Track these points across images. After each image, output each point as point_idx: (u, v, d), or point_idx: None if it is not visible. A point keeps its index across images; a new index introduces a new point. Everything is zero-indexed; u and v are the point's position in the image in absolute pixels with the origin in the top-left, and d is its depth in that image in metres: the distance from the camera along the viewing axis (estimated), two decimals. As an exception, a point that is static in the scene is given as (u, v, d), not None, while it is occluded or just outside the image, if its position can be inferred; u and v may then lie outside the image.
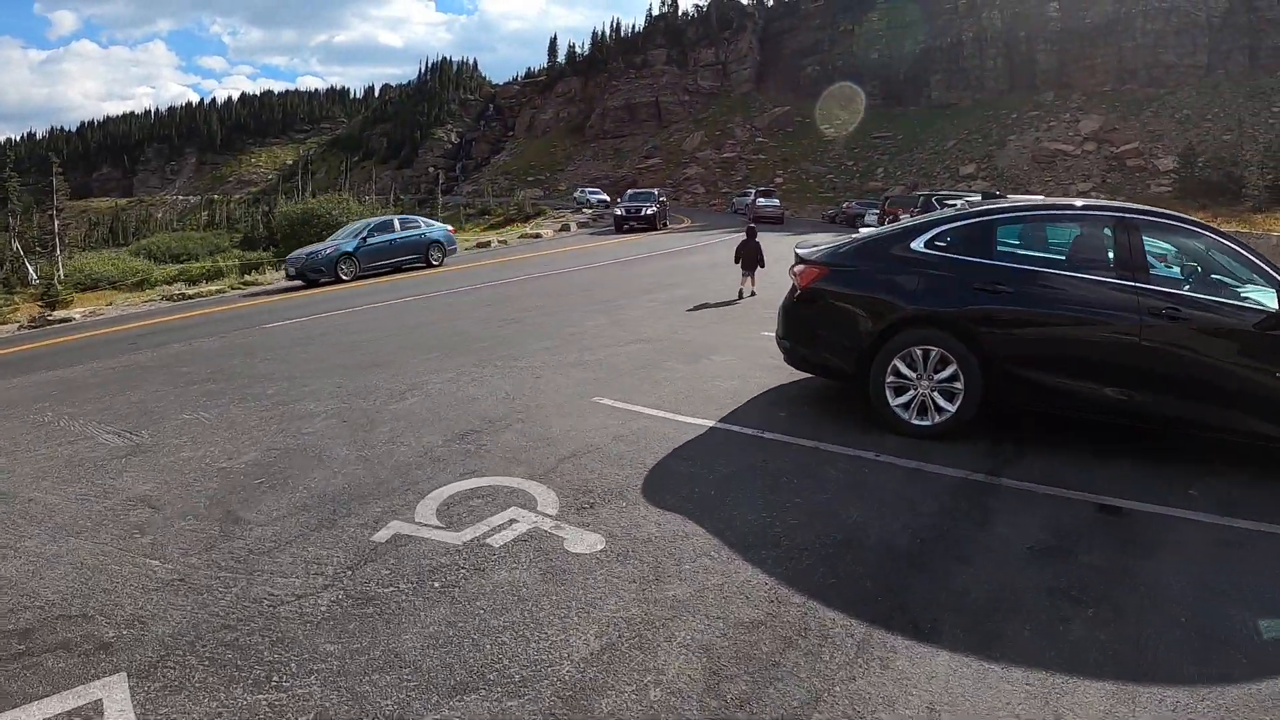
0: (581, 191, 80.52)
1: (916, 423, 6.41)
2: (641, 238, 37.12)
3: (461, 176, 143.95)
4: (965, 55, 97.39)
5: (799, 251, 7.42)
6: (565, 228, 46.58)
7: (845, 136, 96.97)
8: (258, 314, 16.66)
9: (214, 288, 24.53)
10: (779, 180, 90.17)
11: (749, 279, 15.28)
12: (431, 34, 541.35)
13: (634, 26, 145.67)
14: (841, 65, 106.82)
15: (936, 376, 6.33)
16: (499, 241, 38.24)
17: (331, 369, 9.83)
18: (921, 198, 33.48)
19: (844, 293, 6.85)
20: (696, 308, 13.90)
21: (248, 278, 27.56)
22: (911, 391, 6.44)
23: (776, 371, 8.46)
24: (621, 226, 42.02)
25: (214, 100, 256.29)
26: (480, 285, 19.31)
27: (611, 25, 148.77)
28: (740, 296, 14.82)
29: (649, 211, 42.67)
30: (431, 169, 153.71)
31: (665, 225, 45.25)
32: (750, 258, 15.51)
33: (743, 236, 16.12)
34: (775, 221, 51.99)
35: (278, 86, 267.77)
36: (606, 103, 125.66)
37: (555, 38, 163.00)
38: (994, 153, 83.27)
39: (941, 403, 6.35)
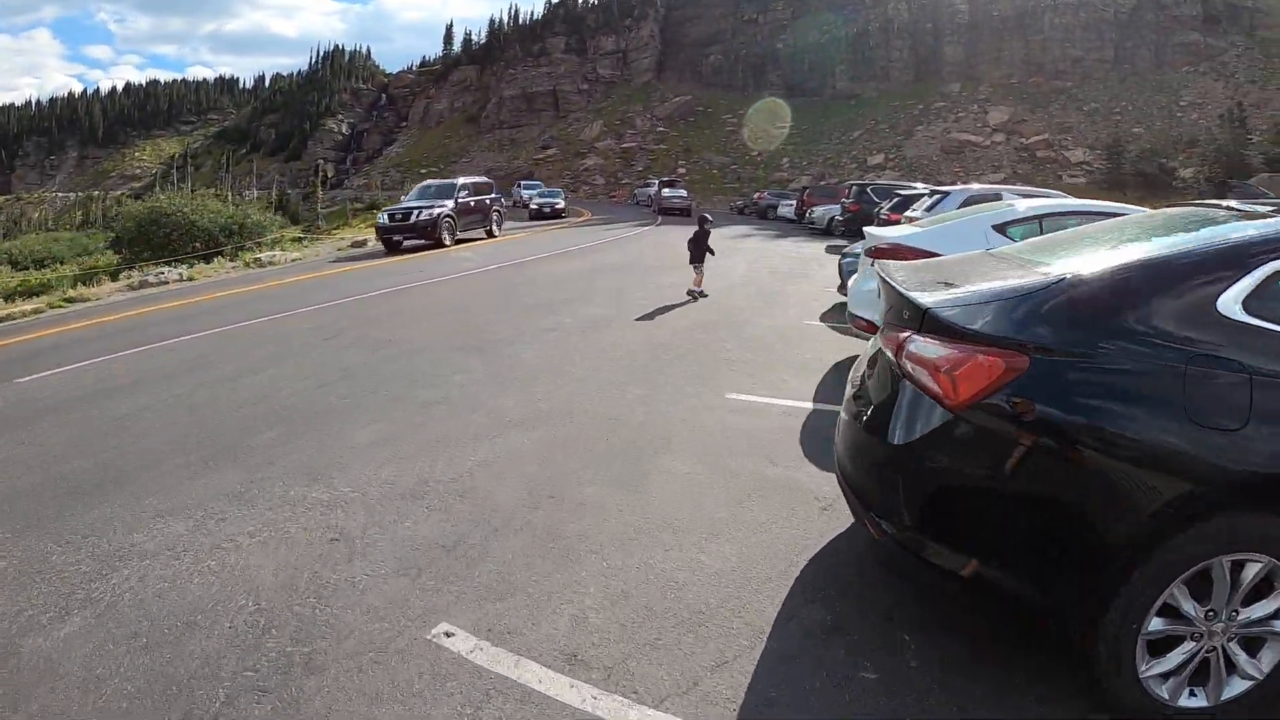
0: (518, 188, 68.55)
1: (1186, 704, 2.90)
2: (541, 235, 32.30)
3: (352, 169, 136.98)
4: (871, 46, 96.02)
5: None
6: None
7: (749, 127, 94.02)
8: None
9: (30, 307, 17.48)
10: (681, 171, 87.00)
11: (697, 274, 13.93)
12: (325, 23, 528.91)
13: (533, 14, 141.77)
14: (745, 55, 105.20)
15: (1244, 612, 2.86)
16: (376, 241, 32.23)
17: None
18: (854, 187, 29.89)
19: (1097, 429, 2.82)
20: (618, 338, 10.34)
21: (73, 292, 19.71)
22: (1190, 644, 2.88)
23: (794, 508, 4.75)
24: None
25: (97, 90, 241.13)
26: (327, 304, 14.37)
27: (509, 13, 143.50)
28: (691, 296, 13.56)
29: (559, 205, 45.33)
30: (320, 161, 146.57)
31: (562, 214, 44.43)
32: (699, 249, 14.15)
33: (694, 229, 14.56)
34: (682, 213, 47.67)
35: (166, 76, 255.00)
36: (503, 92, 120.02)
37: (451, 25, 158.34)
38: (902, 143, 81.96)
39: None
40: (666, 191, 53.44)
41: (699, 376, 8.19)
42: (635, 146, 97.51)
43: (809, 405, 7.07)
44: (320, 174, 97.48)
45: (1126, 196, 44.25)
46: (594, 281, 16.18)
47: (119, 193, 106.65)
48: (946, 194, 16.05)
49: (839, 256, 12.29)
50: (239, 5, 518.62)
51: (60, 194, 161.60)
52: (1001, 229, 7.69)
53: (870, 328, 7.02)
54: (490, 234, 28.88)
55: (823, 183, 62.62)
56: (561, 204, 46.63)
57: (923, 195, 19.28)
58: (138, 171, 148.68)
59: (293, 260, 25.15)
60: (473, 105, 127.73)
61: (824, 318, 11.78)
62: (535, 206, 45.42)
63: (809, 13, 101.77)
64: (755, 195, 58.56)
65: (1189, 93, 76.64)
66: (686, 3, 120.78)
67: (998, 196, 13.85)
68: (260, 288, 17.85)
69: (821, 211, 34.08)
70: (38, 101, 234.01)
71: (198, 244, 32.23)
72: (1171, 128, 71.26)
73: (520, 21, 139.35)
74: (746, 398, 7.31)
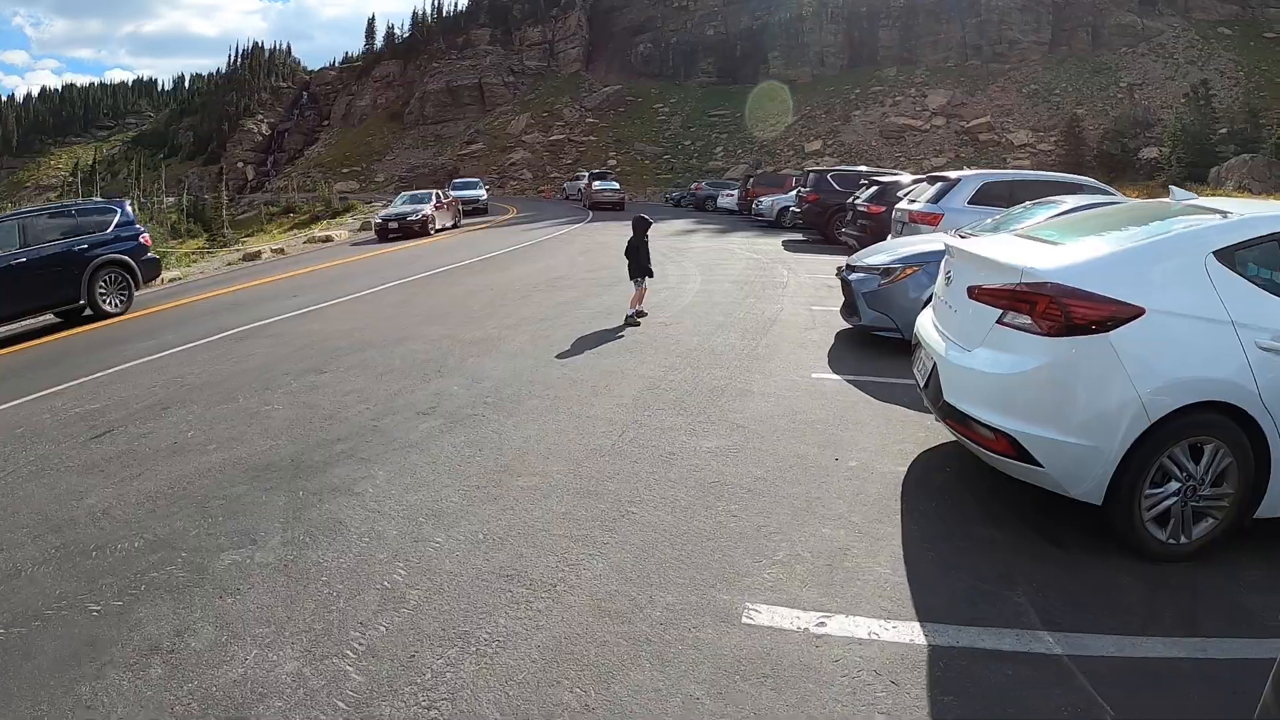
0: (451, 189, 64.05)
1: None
2: (452, 238, 28.60)
3: (273, 171, 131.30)
4: (806, 31, 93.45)
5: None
6: (368, 226, 36.26)
7: (682, 116, 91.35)
8: None
9: None
10: (612, 162, 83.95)
11: (638, 291, 11.02)
12: (246, 22, 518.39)
13: (456, 5, 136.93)
14: (675, 42, 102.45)
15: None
16: (274, 250, 28.24)
17: None
18: (812, 174, 26.32)
19: None
20: (530, 436, 6.15)
21: None
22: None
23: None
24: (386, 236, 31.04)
25: (12, 97, 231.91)
26: (146, 359, 9.98)
27: (433, 4, 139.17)
28: (627, 322, 10.57)
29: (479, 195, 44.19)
30: (240, 164, 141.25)
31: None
32: (640, 260, 11.04)
33: (630, 234, 11.31)
34: (615, 208, 44.60)
35: (84, 80, 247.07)
36: (427, 86, 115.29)
37: (373, 18, 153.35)
38: (839, 128, 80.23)
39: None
40: (597, 185, 49.55)
41: (690, 577, 3.86)
42: (564, 139, 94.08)
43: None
44: (222, 176, 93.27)
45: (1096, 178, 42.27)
46: (505, 307, 12.15)
47: (29, 205, 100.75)
48: (954, 181, 13.48)
49: (841, 271, 9.58)
50: (157, 5, 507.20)
51: None
52: (1228, 258, 4.00)
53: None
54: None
55: (769, 170, 60.35)
56: (483, 195, 44.39)
57: (910, 183, 17.04)
58: (54, 181, 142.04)
59: (171, 280, 20.82)
60: (396, 101, 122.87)
61: (839, 365, 8.11)
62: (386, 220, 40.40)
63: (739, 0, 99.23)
64: (693, 186, 54.88)
65: (1128, 74, 76.22)
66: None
67: (1028, 186, 12.84)
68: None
69: (770, 202, 31.04)
70: None
71: None
72: (1113, 107, 70.75)
73: (444, 13, 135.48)
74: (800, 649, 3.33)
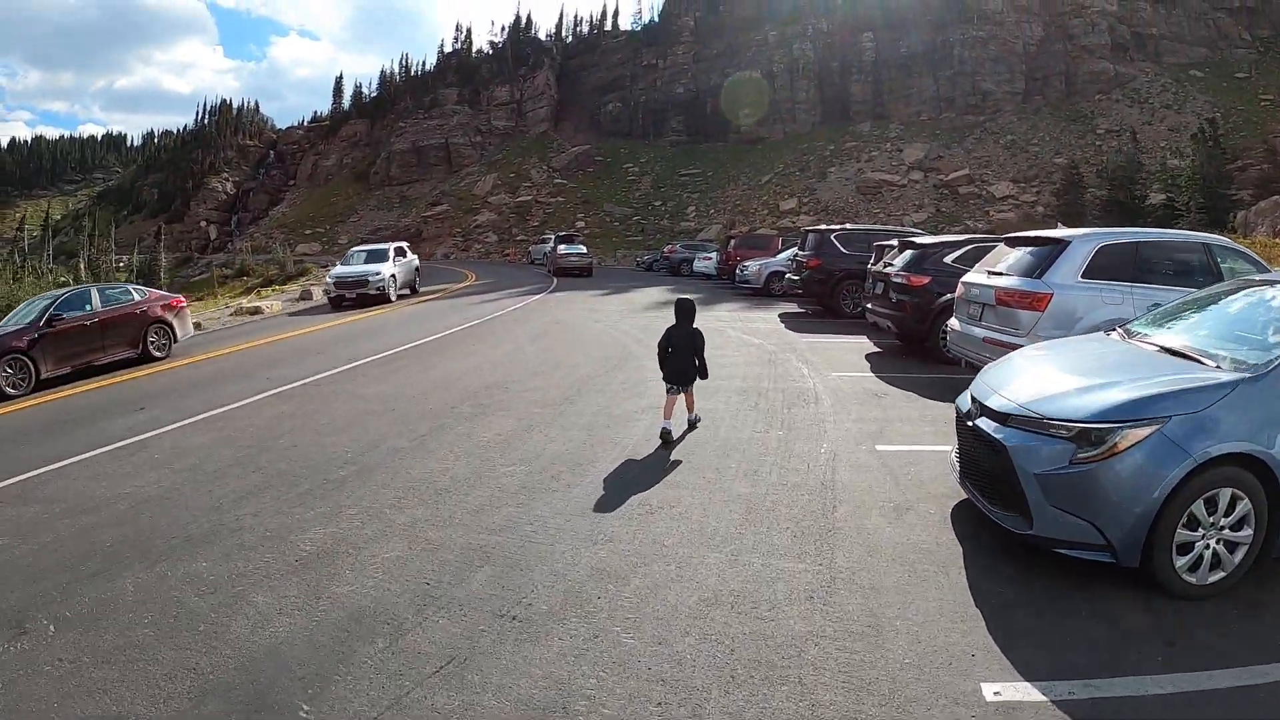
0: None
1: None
2: (393, 311, 24.72)
3: (237, 231, 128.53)
4: (777, 88, 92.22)
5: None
6: (307, 295, 32.66)
7: (652, 175, 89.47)
8: None
9: None
10: (581, 224, 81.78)
11: (683, 396, 8.33)
12: (219, 80, 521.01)
13: (424, 64, 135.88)
14: (645, 100, 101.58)
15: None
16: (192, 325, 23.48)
17: None
18: (810, 235, 22.21)
19: None
20: None
21: None
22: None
23: None
24: (340, 303, 26.73)
25: None
26: None
27: (400, 63, 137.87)
28: (665, 440, 7.90)
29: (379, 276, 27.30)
30: (204, 223, 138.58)
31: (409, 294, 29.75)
32: (683, 359, 8.18)
33: (672, 319, 8.49)
34: (582, 273, 41.59)
35: (55, 133, 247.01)
36: (393, 146, 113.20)
37: (340, 77, 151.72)
38: (814, 185, 78.62)
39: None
40: (562, 249, 45.94)
41: None
42: (531, 200, 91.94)
43: None
44: (158, 235, 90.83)
45: (1103, 224, 39.97)
46: (395, 458, 7.82)
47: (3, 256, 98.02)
48: (1059, 245, 9.55)
49: (967, 413, 5.67)
50: (131, 61, 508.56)
51: None
52: None
53: None
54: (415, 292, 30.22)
55: (750, 231, 57.72)
56: (380, 274, 27.05)
57: (952, 244, 13.88)
58: (18, 234, 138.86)
59: None
60: (362, 161, 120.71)
61: (1037, 647, 4.18)
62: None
63: (710, 57, 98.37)
64: (666, 249, 51.28)
65: (1104, 120, 75.99)
66: (583, 50, 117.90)
67: (1159, 248, 9.75)
68: None
69: (756, 267, 27.66)
70: None
71: None
72: (1094, 155, 69.94)
73: (412, 73, 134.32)
74: None
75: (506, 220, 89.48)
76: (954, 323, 10.63)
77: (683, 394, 8.17)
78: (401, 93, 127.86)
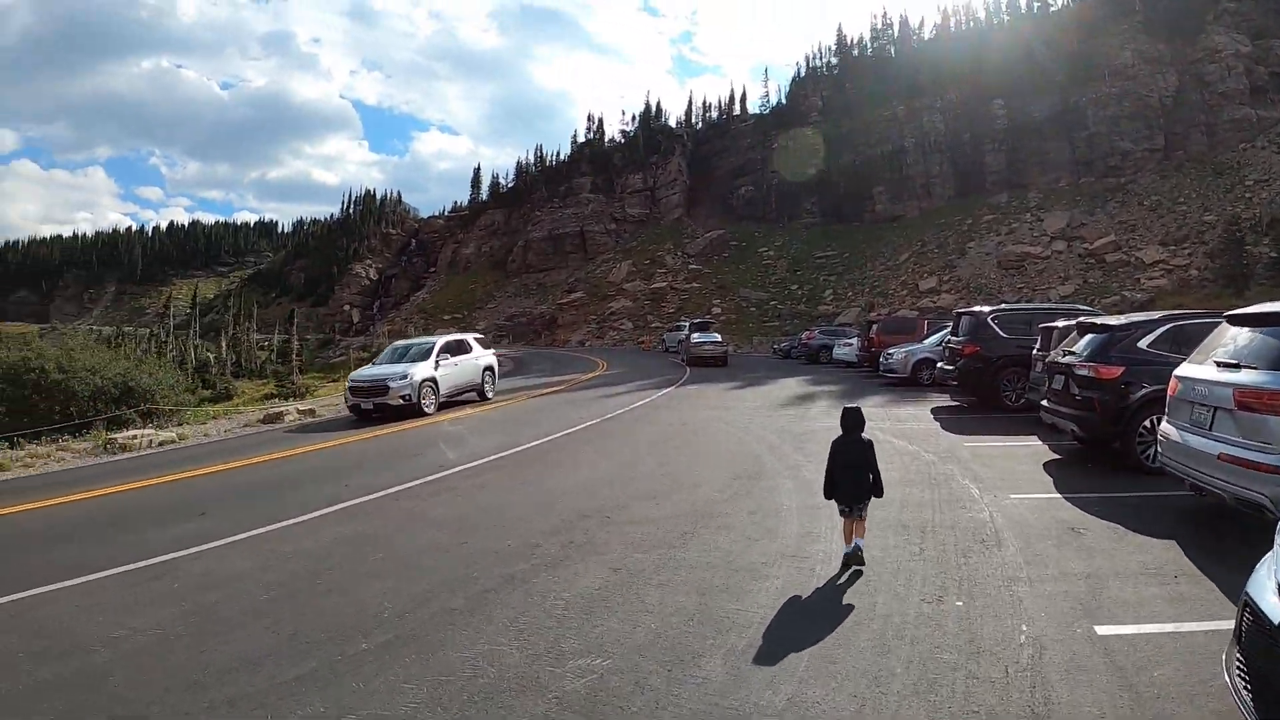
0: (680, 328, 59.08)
1: None
2: (517, 402, 24.06)
3: (379, 315, 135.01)
4: (908, 164, 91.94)
5: None
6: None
7: (787, 259, 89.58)
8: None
9: None
10: (716, 310, 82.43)
11: (854, 524, 6.85)
12: (365, 173, 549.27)
13: (558, 153, 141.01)
14: (777, 183, 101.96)
15: None
16: (300, 411, 23.15)
17: None
18: (965, 318, 19.82)
19: None
20: None
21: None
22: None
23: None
24: (361, 414, 21.40)
25: (141, 229, 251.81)
26: None
27: (535, 154, 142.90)
28: (847, 566, 6.64)
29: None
30: (347, 306, 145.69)
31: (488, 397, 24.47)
32: (856, 476, 6.86)
33: (839, 432, 7.07)
34: (717, 363, 39.65)
35: (210, 219, 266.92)
36: (529, 235, 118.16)
37: (478, 169, 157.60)
38: (954, 262, 77.22)
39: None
40: (696, 337, 44.43)
41: None
42: (666, 286, 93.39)
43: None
44: (293, 322, 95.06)
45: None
46: (478, 600, 6.41)
47: (146, 331, 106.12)
48: None
49: None
50: (283, 154, 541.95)
51: (95, 326, 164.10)
52: None
53: None
54: (484, 396, 24.08)
55: (891, 313, 56.00)
56: (409, 379, 21.12)
57: (1146, 324, 11.47)
58: (164, 311, 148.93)
59: (160, 444, 18.25)
60: (500, 250, 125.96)
61: None
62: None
63: (839, 136, 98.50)
64: (804, 334, 48.08)
65: (1252, 170, 72.09)
66: (714, 135, 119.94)
67: None
68: None
69: (902, 355, 25.61)
70: (82, 235, 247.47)
71: (71, 409, 26.32)
72: (1246, 209, 65.86)
73: (547, 163, 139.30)
74: None
75: (641, 307, 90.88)
76: (1169, 429, 8.17)
77: (853, 520, 6.84)
78: (537, 182, 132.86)
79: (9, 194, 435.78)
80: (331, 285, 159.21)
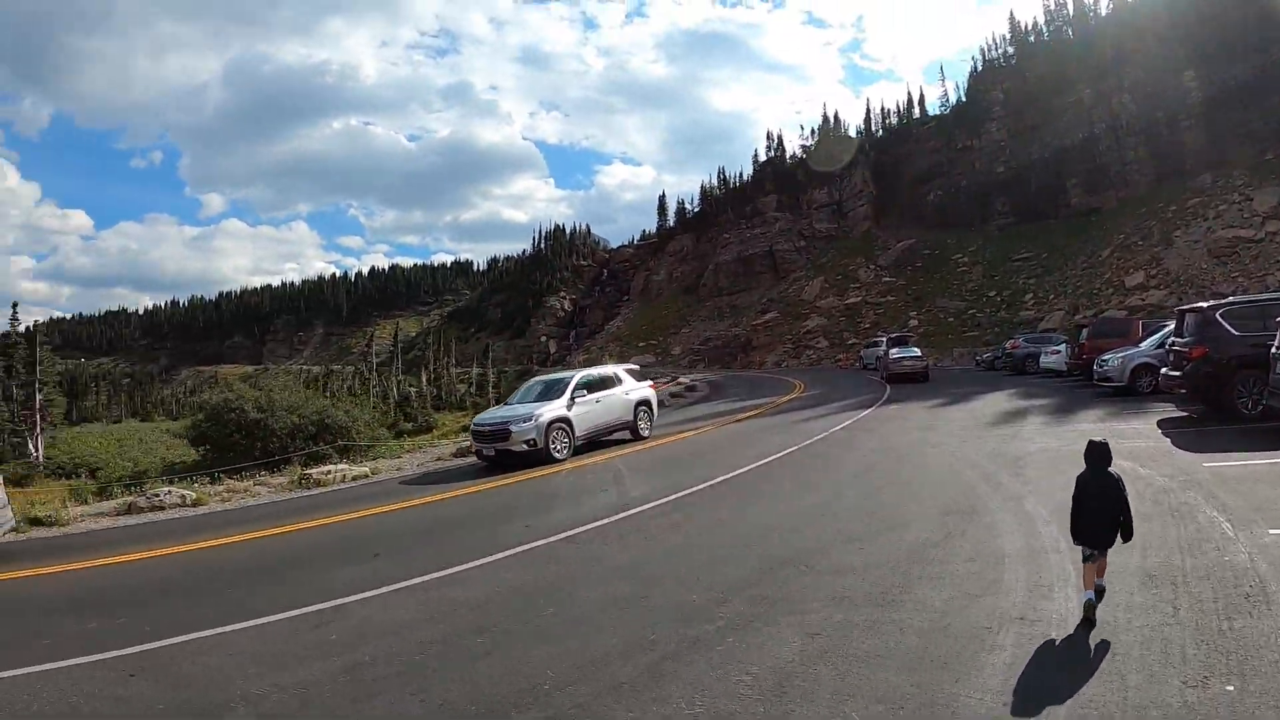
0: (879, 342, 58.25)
1: None
2: (704, 431, 23.55)
3: (575, 345, 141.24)
4: (1101, 151, 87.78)
5: None
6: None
7: (983, 264, 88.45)
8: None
9: (195, 493, 17.49)
10: (914, 322, 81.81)
11: (1096, 566, 6.31)
12: (553, 208, 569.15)
13: (741, 174, 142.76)
14: (966, 185, 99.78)
15: None
16: (369, 473, 20.40)
17: None
18: (1189, 315, 18.23)
19: None
20: None
21: (43, 511, 16.65)
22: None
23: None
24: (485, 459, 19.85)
25: (345, 274, 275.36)
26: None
27: (718, 177, 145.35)
28: (1089, 615, 5.95)
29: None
30: (544, 338, 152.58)
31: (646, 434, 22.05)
32: (1100, 517, 6.31)
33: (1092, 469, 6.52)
34: (917, 378, 37.99)
35: (409, 262, 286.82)
36: (719, 258, 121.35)
37: (663, 196, 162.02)
38: (1160, 254, 72.68)
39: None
40: (895, 352, 42.87)
41: None
42: (860, 301, 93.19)
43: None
44: (489, 355, 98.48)
45: None
46: (652, 670, 5.86)
47: (352, 368, 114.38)
48: None
49: None
50: (474, 198, 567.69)
51: (305, 366, 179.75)
52: None
53: None
54: (638, 435, 21.37)
55: (1101, 314, 54.32)
56: (533, 421, 18.86)
57: None
58: (377, 348, 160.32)
59: (352, 480, 18.92)
60: (690, 274, 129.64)
61: None
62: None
63: (1025, 129, 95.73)
64: (1008, 344, 45.68)
65: None
66: (895, 142, 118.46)
67: None
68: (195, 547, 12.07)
69: (1118, 360, 23.46)
70: (290, 284, 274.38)
71: (271, 445, 28.48)
72: None
73: (730, 185, 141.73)
74: None
75: (836, 324, 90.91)
76: None
77: (1093, 563, 6.25)
78: (722, 205, 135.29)
79: (222, 250, 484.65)
80: (528, 318, 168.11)
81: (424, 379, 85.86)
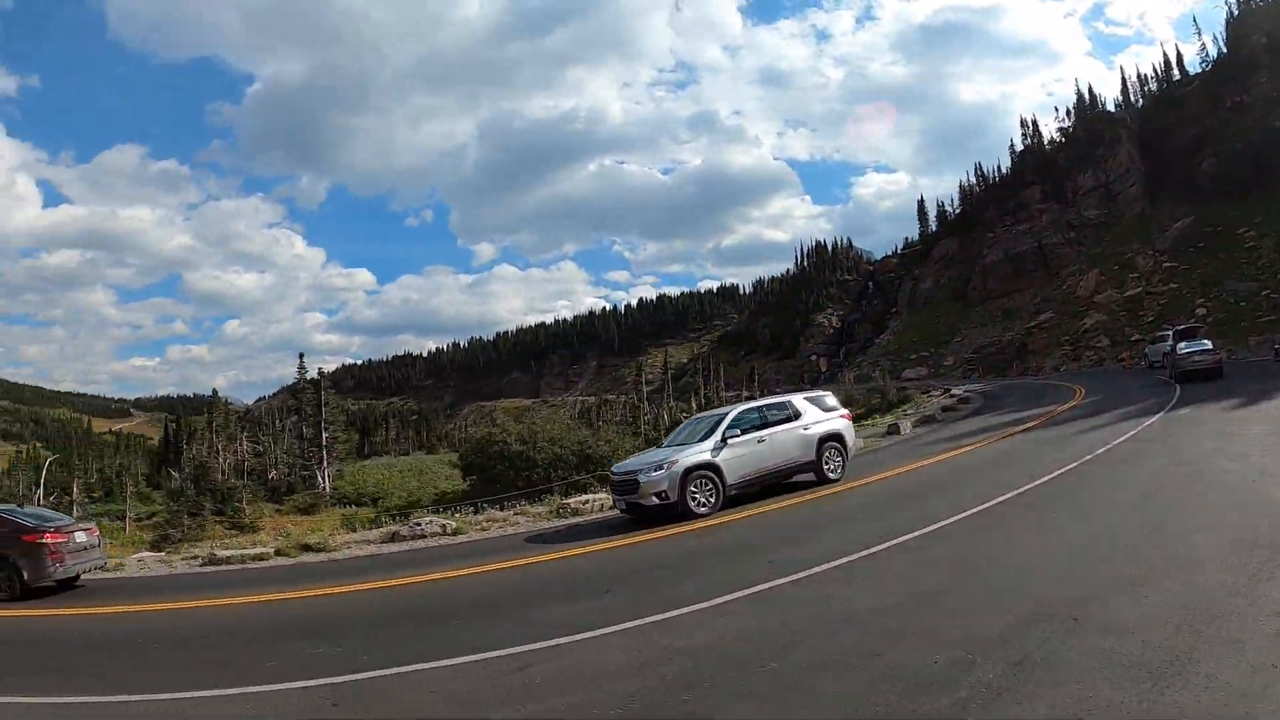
0: None
1: None
2: (946, 456, 21.07)
3: (845, 361, 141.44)
4: None
5: None
6: (894, 429, 30.85)
7: (1273, 237, 79.19)
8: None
9: (456, 522, 18.47)
10: (1201, 311, 73.90)
11: None
12: (812, 225, 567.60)
13: (999, 168, 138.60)
14: (1242, 148, 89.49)
15: None
16: None
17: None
18: None
19: None
20: None
21: (314, 539, 18.65)
22: None
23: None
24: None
25: (615, 308, 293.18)
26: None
27: (975, 174, 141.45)
28: None
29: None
30: (813, 356, 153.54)
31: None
32: None
33: None
34: (1210, 376, 33.96)
35: (675, 291, 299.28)
36: (985, 259, 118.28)
37: (921, 200, 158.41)
38: None
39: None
40: (1183, 347, 38.52)
41: None
42: (1141, 292, 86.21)
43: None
44: (754, 377, 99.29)
45: None
46: None
47: (624, 398, 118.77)
48: None
49: None
50: (733, 223, 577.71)
51: (580, 397, 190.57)
52: None
53: None
54: (823, 478, 17.77)
55: None
56: (666, 469, 16.17)
57: None
58: (649, 376, 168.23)
59: (610, 509, 18.30)
60: (957, 279, 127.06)
61: None
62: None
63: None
64: None
65: None
66: (1157, 110, 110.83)
67: None
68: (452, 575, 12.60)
69: None
70: (562, 320, 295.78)
71: (534, 475, 29.51)
72: None
73: (989, 180, 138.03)
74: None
75: (1116, 319, 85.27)
76: None
77: None
78: (984, 203, 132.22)
79: (496, 294, 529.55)
80: (796, 338, 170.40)
81: (694, 405, 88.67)
